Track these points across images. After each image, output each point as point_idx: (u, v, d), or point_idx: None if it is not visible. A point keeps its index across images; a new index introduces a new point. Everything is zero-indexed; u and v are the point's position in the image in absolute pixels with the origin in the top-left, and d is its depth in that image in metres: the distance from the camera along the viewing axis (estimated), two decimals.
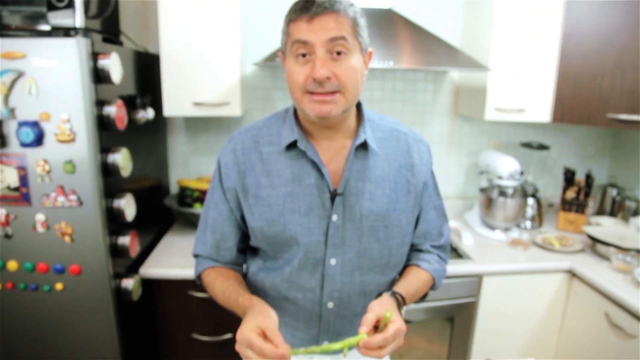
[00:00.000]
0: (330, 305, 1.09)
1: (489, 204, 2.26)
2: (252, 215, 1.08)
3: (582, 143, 2.63)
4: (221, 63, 1.95)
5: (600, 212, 2.47)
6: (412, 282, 1.11)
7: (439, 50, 1.95)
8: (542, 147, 2.37)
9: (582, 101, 2.09)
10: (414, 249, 1.21)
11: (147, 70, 1.95)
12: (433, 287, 1.18)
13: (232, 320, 1.86)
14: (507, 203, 2.23)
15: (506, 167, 2.21)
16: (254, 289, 1.19)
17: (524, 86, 2.15)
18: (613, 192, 2.41)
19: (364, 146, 1.05)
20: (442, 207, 1.21)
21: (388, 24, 2.00)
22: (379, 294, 1.05)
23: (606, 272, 1.88)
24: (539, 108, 2.18)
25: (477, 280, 1.96)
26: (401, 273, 1.17)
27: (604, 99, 2.04)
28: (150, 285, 1.80)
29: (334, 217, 1.03)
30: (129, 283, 1.64)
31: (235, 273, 1.14)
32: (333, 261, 1.06)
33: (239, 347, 0.87)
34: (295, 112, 1.08)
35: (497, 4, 2.05)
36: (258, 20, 2.29)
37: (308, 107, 0.96)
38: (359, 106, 1.10)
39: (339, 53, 0.92)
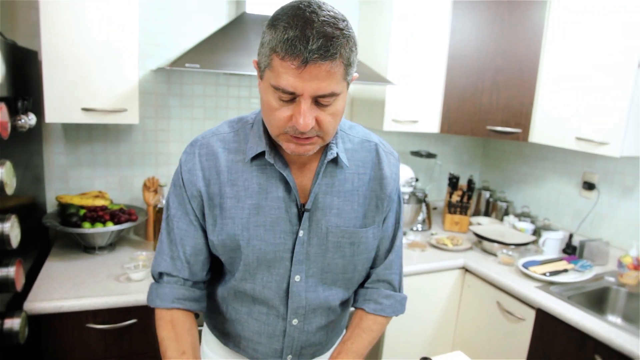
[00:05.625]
0: (295, 322, 1.04)
1: None
2: (214, 227, 0.99)
3: (458, 151, 2.94)
4: (117, 65, 1.75)
5: (476, 212, 2.78)
6: (359, 345, 1.08)
7: None
8: (430, 155, 2.59)
9: (465, 114, 2.34)
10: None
11: (21, 68, 1.66)
12: (396, 314, 1.15)
13: (139, 352, 1.66)
14: (404, 209, 2.37)
15: (402, 175, 2.36)
16: (215, 305, 1.11)
17: (417, 99, 2.33)
18: (486, 194, 2.74)
19: (334, 160, 1.00)
20: (402, 217, 1.15)
21: None
22: None
23: (494, 266, 2.12)
24: (430, 120, 2.38)
25: None
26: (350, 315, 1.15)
27: (484, 112, 2.31)
28: (37, 322, 1.51)
29: (301, 233, 0.99)
30: (14, 323, 1.35)
31: (193, 339, 1.01)
32: (297, 277, 1.01)
33: None
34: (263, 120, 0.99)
35: (395, 23, 2.19)
36: (150, 22, 2.11)
37: (284, 145, 0.90)
38: None
39: (325, 105, 0.85)
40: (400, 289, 1.17)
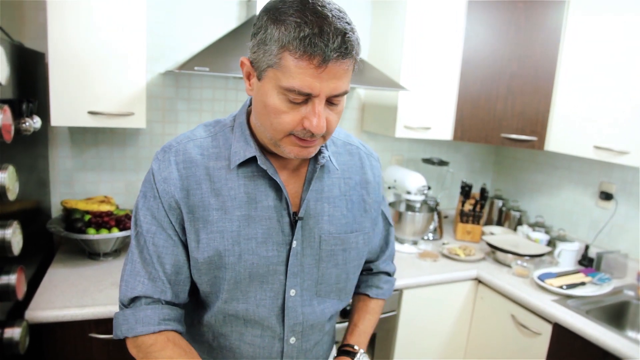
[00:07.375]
0: (292, 340, 0.98)
1: (398, 219, 2.33)
2: (198, 244, 0.90)
3: (470, 159, 2.88)
4: (124, 68, 1.72)
5: (489, 221, 2.71)
6: (368, 325, 1.14)
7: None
8: (442, 163, 2.54)
9: (479, 121, 2.28)
10: (365, 268, 1.19)
11: (28, 70, 1.63)
12: (390, 294, 1.24)
13: None
14: (415, 217, 2.32)
15: (415, 182, 2.31)
16: (198, 334, 1.02)
17: (430, 106, 2.28)
18: (499, 203, 2.68)
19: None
20: (388, 212, 1.18)
21: None
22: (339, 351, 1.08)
23: (508, 277, 2.05)
24: (443, 126, 2.33)
25: (397, 294, 1.99)
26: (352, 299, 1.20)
27: (498, 120, 2.25)
28: (38, 331, 1.47)
29: (294, 244, 0.93)
30: (14, 332, 1.31)
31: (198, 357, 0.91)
32: (292, 292, 0.95)
33: None
34: (248, 122, 0.94)
35: (408, 27, 2.14)
36: (158, 24, 2.07)
37: (287, 148, 0.84)
38: None
39: (335, 104, 0.82)
40: (393, 274, 1.26)
